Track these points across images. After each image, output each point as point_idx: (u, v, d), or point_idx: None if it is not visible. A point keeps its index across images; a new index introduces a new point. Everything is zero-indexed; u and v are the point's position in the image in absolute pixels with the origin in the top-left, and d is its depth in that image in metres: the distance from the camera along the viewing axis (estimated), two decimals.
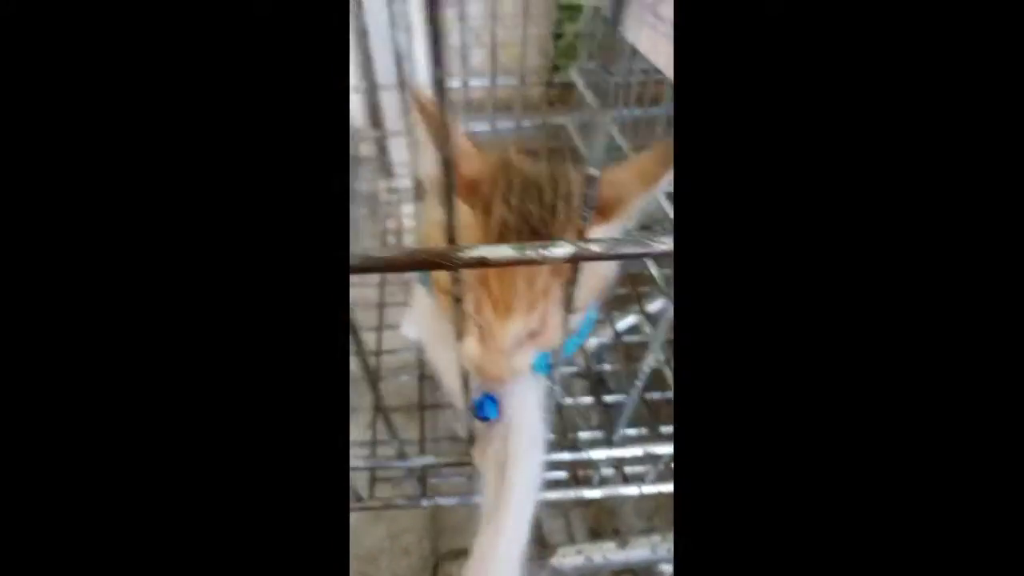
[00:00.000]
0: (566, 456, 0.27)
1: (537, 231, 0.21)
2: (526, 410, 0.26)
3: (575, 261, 0.14)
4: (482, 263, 0.14)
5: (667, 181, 0.21)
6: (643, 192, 0.21)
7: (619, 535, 0.50)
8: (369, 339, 0.45)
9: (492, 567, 0.23)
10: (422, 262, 0.14)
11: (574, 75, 0.57)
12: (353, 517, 0.75)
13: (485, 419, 0.25)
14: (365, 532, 0.74)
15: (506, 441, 0.25)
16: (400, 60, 0.88)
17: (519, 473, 0.24)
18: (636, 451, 0.27)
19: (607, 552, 0.49)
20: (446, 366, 0.28)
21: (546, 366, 0.26)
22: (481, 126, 0.66)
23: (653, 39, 0.32)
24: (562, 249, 0.14)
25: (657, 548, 0.49)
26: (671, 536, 0.49)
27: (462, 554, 0.59)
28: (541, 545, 0.52)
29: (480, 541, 0.24)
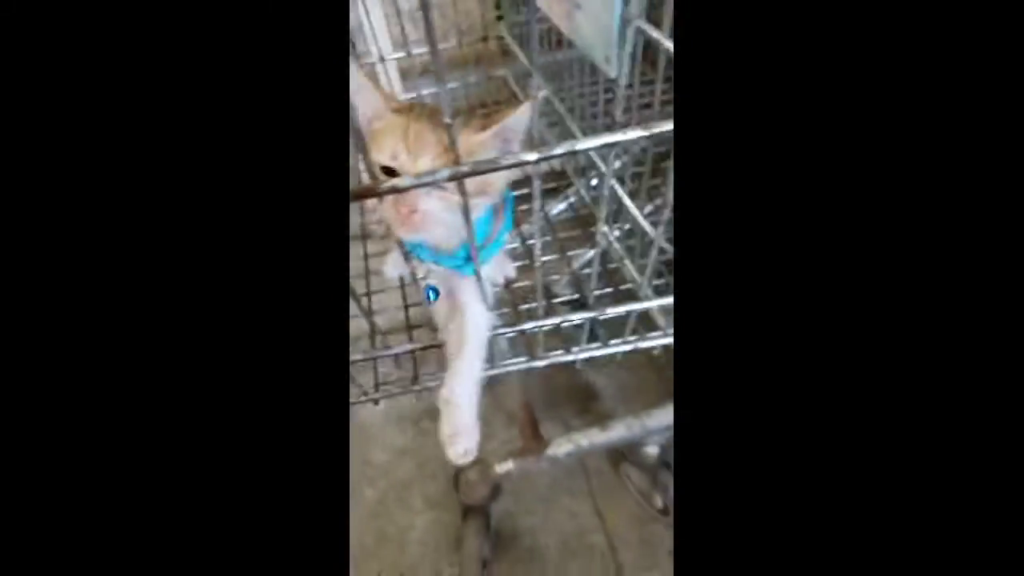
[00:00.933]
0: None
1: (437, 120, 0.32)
2: (470, 292, 0.37)
3: (454, 179, 0.22)
4: (394, 190, 0.22)
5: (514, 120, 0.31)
6: (503, 122, 0.31)
7: (600, 423, 0.60)
8: (360, 284, 0.54)
9: (459, 380, 0.36)
10: (357, 195, 0.22)
11: (503, 30, 0.62)
12: (384, 453, 0.86)
13: (431, 301, 0.36)
14: (397, 465, 0.85)
15: (461, 316, 0.35)
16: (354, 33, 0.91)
17: (469, 331, 0.36)
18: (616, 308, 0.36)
19: (592, 436, 0.59)
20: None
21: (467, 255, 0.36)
22: (429, 87, 0.72)
23: (555, 5, 0.38)
24: (446, 172, 0.21)
25: (632, 427, 0.58)
26: (651, 412, 0.58)
27: (476, 462, 0.69)
28: (539, 441, 0.62)
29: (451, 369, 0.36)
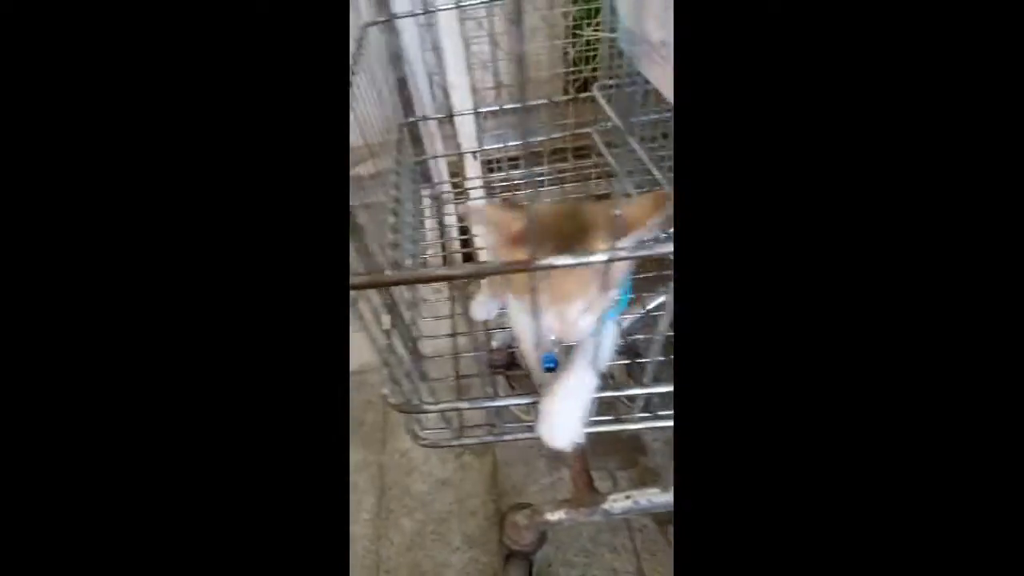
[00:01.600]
0: (609, 393, 0.37)
1: (573, 243, 0.32)
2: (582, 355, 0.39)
3: (610, 262, 0.23)
4: (552, 266, 0.23)
5: (662, 215, 0.31)
6: (648, 219, 0.31)
7: (663, 482, 0.59)
8: (445, 325, 0.55)
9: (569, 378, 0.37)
10: (514, 268, 0.23)
11: (595, 92, 0.65)
12: (424, 483, 0.86)
13: (550, 370, 0.38)
14: (436, 497, 0.85)
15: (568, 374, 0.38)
16: (432, 80, 0.96)
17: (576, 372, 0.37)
18: (661, 388, 0.36)
19: (651, 496, 0.58)
20: (527, 340, 0.39)
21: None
22: (512, 136, 0.75)
23: (661, 74, 0.40)
24: (602, 256, 0.23)
25: None
26: None
27: (524, 507, 0.68)
28: (593, 493, 0.61)
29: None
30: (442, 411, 0.37)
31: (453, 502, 0.85)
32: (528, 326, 0.38)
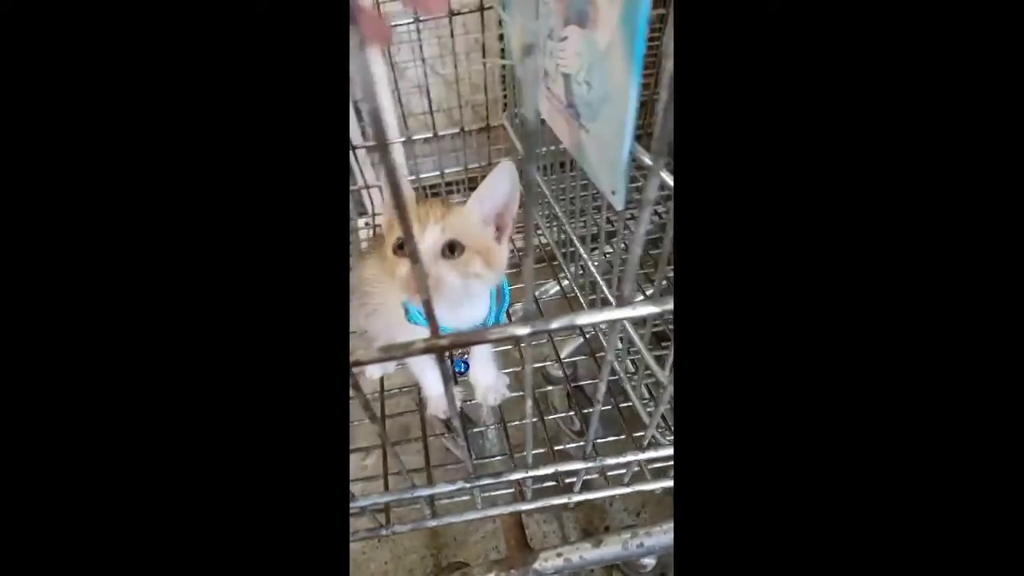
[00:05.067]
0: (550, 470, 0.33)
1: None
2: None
3: (536, 334, 0.19)
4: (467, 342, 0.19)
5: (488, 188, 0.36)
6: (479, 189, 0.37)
7: (594, 536, 0.55)
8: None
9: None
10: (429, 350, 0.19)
11: (504, 120, 0.62)
12: (360, 544, 0.79)
13: (461, 374, 0.44)
14: (370, 556, 0.79)
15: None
16: (357, 108, 0.92)
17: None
18: (616, 458, 0.32)
19: (584, 552, 0.54)
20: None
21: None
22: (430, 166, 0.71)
23: (550, 110, 0.37)
24: (523, 329, 0.19)
25: (628, 544, 0.53)
26: (651, 530, 0.53)
27: (457, 567, 0.63)
28: (524, 551, 0.57)
29: None
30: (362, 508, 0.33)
31: (389, 560, 0.78)
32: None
